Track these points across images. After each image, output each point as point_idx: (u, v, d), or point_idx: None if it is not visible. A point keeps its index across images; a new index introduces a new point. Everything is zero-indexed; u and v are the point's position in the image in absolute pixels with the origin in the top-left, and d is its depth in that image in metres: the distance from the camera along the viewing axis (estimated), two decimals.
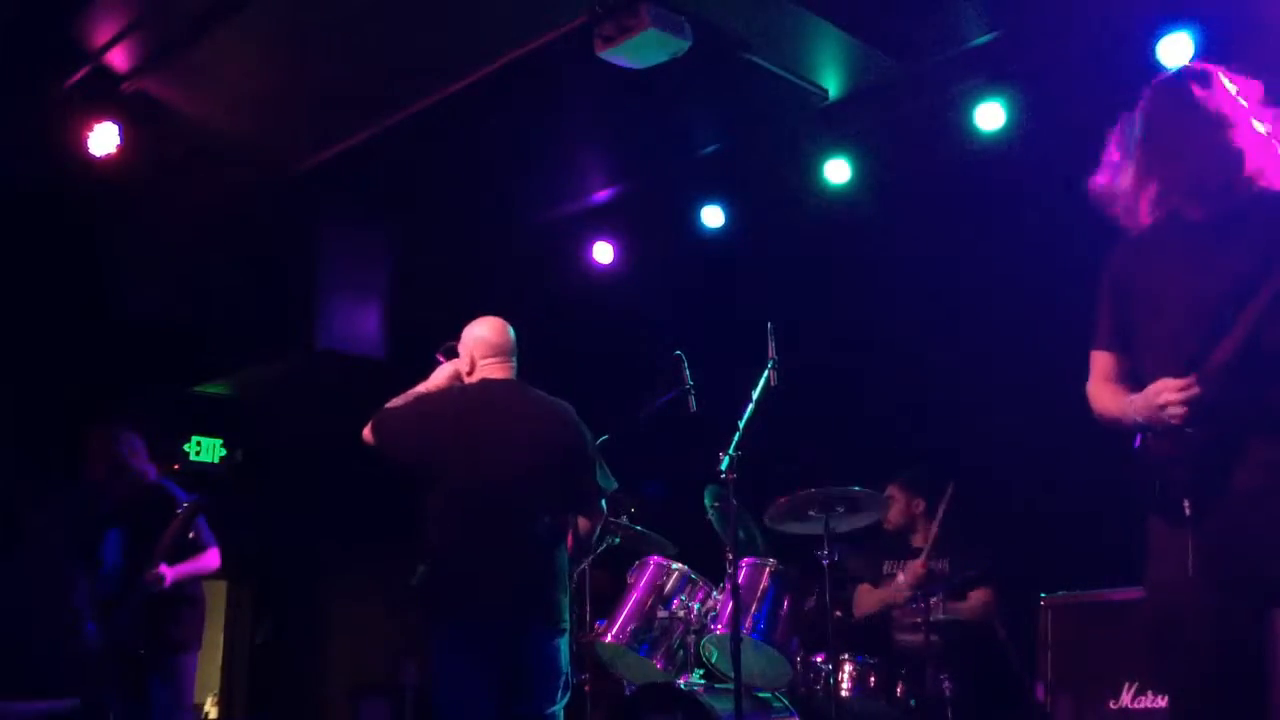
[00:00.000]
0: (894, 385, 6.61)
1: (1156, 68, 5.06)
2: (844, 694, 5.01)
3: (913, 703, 5.00)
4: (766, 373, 4.58)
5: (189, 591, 5.56)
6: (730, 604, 4.47)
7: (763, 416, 4.49)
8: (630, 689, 5.12)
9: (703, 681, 4.92)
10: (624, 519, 5.31)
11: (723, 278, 7.37)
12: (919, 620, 5.14)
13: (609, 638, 4.96)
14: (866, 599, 5.69)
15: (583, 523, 4.27)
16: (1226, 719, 2.70)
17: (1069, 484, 5.61)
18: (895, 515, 5.66)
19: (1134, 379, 2.92)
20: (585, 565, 5.21)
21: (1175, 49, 5.23)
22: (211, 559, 5.62)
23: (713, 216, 7.25)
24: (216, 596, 8.66)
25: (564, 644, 4.06)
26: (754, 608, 4.84)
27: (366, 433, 4.16)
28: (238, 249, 7.52)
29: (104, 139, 6.08)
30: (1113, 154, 3.01)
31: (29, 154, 6.43)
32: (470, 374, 4.27)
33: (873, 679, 5.07)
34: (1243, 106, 2.85)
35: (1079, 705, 4.66)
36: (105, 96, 6.04)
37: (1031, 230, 5.78)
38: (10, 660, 6.50)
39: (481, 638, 3.90)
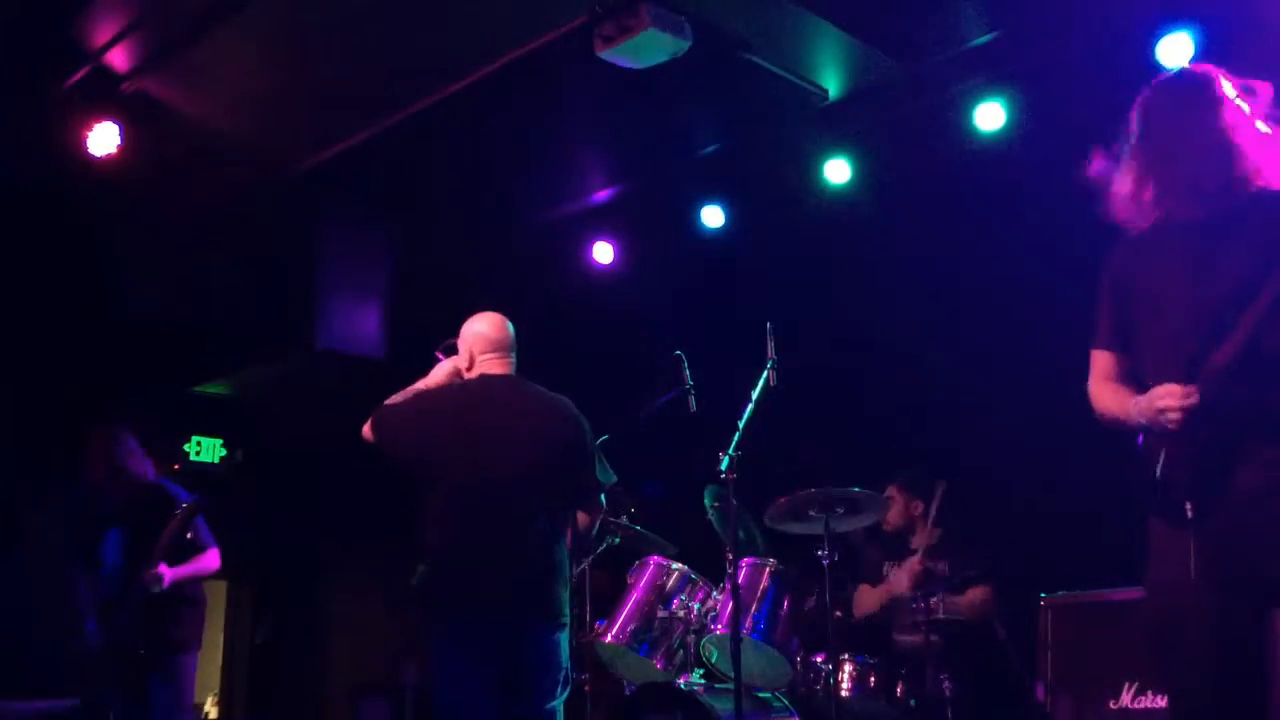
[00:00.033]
0: (894, 385, 6.61)
1: (1156, 68, 5.07)
2: (844, 694, 5.01)
3: (913, 703, 5.01)
4: (766, 373, 4.58)
5: (189, 592, 5.56)
6: (730, 604, 4.47)
7: (762, 416, 4.48)
8: (630, 689, 5.11)
9: (703, 681, 4.92)
10: (624, 519, 5.30)
11: (723, 278, 7.37)
12: (919, 620, 5.15)
13: (609, 638, 4.95)
14: (866, 599, 5.70)
15: (582, 518, 4.25)
16: (1227, 719, 2.70)
17: (1069, 484, 5.62)
18: (894, 516, 5.66)
19: (1134, 378, 2.92)
20: (585, 565, 5.22)
21: (1175, 49, 5.23)
22: (211, 560, 5.62)
23: (713, 216, 7.25)
24: (216, 596, 8.65)
25: (564, 638, 4.04)
26: (754, 608, 4.84)
27: (366, 430, 4.16)
28: (238, 249, 7.52)
29: (104, 139, 6.09)
30: (1115, 154, 3.01)
31: (29, 154, 6.43)
32: (469, 370, 4.25)
33: (873, 679, 5.07)
34: (1242, 108, 2.86)
35: (1079, 705, 4.66)
36: (105, 96, 6.04)
37: (1031, 230, 5.78)
38: (10, 660, 6.50)
39: (481, 635, 3.88)
